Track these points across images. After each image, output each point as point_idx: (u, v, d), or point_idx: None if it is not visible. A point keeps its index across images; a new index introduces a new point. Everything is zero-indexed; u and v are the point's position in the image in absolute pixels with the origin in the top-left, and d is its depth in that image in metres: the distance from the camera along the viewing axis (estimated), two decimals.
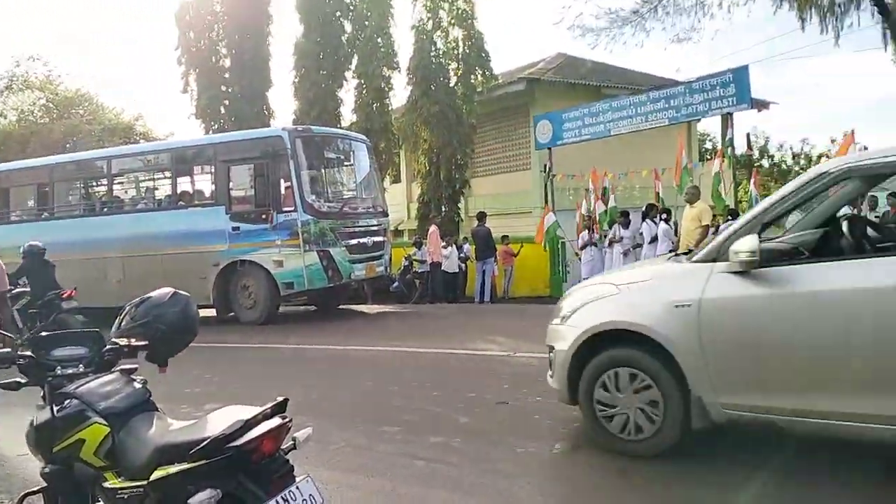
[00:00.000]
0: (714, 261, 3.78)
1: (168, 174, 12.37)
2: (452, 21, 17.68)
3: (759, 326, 3.60)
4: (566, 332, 4.27)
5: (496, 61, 18.08)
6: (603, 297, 4.24)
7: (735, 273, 3.63)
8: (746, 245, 3.55)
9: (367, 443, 4.69)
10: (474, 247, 14.63)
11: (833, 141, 30.78)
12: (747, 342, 3.62)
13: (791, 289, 3.53)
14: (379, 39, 17.69)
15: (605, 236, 13.39)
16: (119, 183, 13.40)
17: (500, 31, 57.82)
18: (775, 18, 38.89)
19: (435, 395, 5.64)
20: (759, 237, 3.62)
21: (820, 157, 31.34)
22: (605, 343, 4.08)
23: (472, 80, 17.72)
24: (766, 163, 29.48)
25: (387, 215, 13.02)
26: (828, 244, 4.19)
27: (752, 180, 13.21)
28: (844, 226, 4.38)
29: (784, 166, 30.76)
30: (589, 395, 4.11)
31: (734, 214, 11.11)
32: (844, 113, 59.80)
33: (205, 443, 2.03)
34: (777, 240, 4.52)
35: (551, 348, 4.46)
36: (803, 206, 3.90)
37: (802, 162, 31.35)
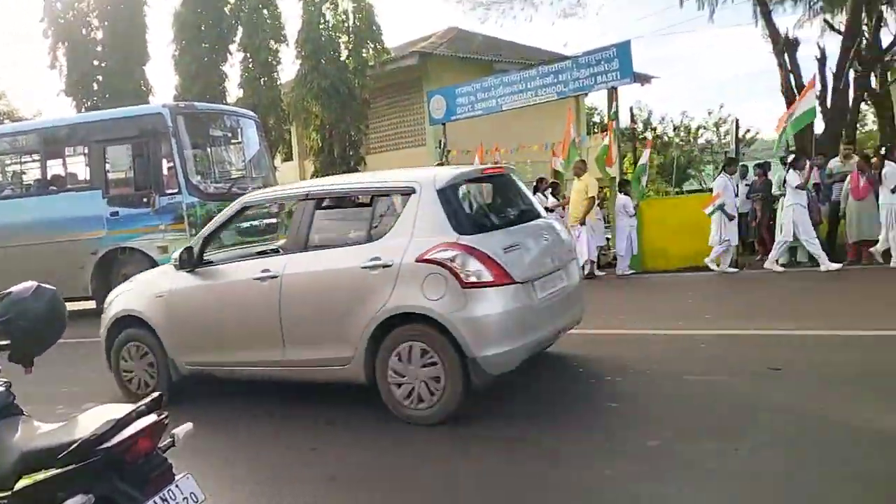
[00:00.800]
0: None
1: (37, 157, 11.47)
2: None
3: (190, 306, 5.09)
4: (105, 318, 5.57)
5: (388, 35, 17.87)
6: (125, 291, 5.62)
7: (185, 271, 5.10)
8: (175, 254, 5.19)
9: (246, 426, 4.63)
10: None
11: (710, 113, 32.70)
12: (187, 318, 5.09)
13: (204, 281, 5.05)
14: (265, 10, 17.12)
15: None
16: None
17: (391, 4, 57.19)
18: None
19: None
20: (200, 248, 5.11)
21: (699, 129, 33.15)
22: (126, 324, 5.37)
23: (364, 54, 17.41)
24: (649, 135, 30.83)
25: None
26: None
27: (646, 150, 13.76)
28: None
29: (666, 138, 32.29)
30: (116, 363, 5.45)
31: (622, 186, 11.60)
32: (718, 85, 63.71)
33: (73, 446, 1.92)
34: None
35: None
36: (226, 227, 5.37)
37: (682, 134, 33.00)
